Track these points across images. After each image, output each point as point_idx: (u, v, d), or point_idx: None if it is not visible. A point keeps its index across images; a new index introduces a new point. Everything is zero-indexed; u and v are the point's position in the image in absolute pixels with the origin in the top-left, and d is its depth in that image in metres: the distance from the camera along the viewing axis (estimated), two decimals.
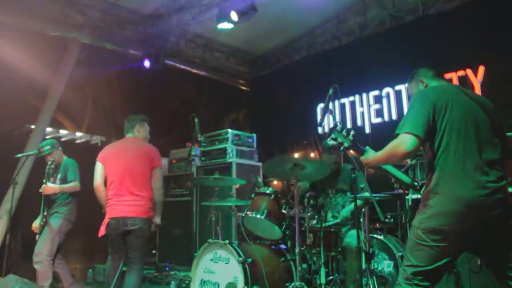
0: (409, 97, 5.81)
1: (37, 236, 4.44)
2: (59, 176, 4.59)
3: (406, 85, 2.87)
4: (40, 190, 4.40)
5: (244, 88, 8.81)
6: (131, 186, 3.75)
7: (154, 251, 6.78)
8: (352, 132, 2.63)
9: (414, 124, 2.29)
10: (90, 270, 6.17)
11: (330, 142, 2.64)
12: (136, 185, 3.77)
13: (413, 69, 2.74)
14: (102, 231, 3.75)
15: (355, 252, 3.51)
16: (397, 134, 2.34)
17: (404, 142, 2.28)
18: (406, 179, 2.89)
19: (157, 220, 3.91)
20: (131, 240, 3.72)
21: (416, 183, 2.80)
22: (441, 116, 2.32)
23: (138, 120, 4.09)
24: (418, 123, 2.29)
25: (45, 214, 4.46)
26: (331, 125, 2.68)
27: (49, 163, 4.50)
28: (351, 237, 3.94)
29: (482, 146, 2.29)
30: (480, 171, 2.23)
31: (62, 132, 7.20)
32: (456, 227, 2.20)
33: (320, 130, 7.01)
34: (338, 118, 6.66)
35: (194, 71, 7.87)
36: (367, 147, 2.62)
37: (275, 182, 6.59)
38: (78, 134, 7.39)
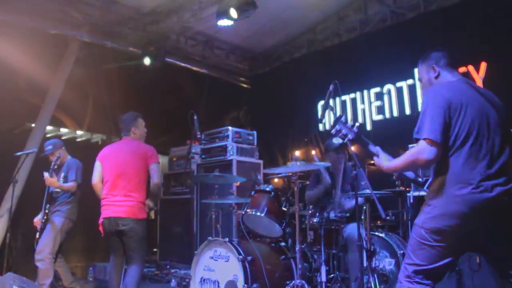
0: (412, 91, 5.85)
1: (37, 233, 4.43)
2: (62, 174, 4.61)
3: (416, 70, 2.76)
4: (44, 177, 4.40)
5: (244, 85, 8.76)
6: (123, 187, 3.78)
7: (155, 249, 6.76)
8: (356, 124, 2.59)
9: (433, 128, 2.23)
10: (91, 268, 6.14)
11: (335, 139, 2.60)
12: (129, 186, 3.79)
13: (427, 52, 2.63)
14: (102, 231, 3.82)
15: (357, 249, 3.43)
16: (416, 139, 2.28)
17: (424, 150, 2.22)
18: (409, 173, 2.85)
19: (150, 203, 3.91)
20: (125, 240, 3.76)
21: (420, 179, 2.74)
22: (455, 117, 2.26)
23: (131, 120, 4.06)
24: (436, 127, 2.23)
25: (46, 211, 4.45)
26: (332, 122, 2.65)
27: (54, 159, 4.52)
28: (352, 229, 3.90)
29: (492, 149, 2.25)
30: (488, 174, 2.19)
31: (63, 130, 7.18)
32: (460, 228, 2.18)
33: (321, 127, 6.99)
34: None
35: (194, 68, 7.83)
36: (378, 148, 2.57)
37: (276, 180, 6.57)
38: (79, 132, 7.37)
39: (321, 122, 6.80)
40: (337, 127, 2.62)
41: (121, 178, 3.81)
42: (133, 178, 3.82)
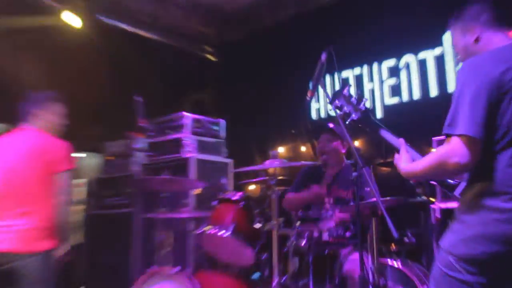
0: (441, 65, 5.75)
1: None
2: None
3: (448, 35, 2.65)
4: None
5: (211, 57, 8.79)
6: (11, 203, 3.46)
7: None
8: (364, 100, 2.49)
9: (473, 120, 2.09)
10: None
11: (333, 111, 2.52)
12: (19, 201, 3.46)
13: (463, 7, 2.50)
14: None
15: (359, 284, 3.37)
16: (447, 135, 2.17)
17: (457, 151, 2.10)
18: None
19: (60, 251, 3.59)
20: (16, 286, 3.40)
21: (451, 180, 2.61)
22: (505, 102, 2.12)
23: (39, 99, 3.77)
24: (477, 119, 2.09)
25: None
26: (328, 105, 2.52)
27: None
28: (353, 263, 3.78)
29: None
30: None
31: None
32: (504, 256, 2.06)
33: (314, 114, 6.87)
34: None
35: (142, 33, 7.76)
36: (401, 140, 2.48)
37: (252, 187, 6.48)
38: None
39: (309, 102, 6.73)
40: (338, 102, 2.47)
41: (8, 191, 3.48)
42: (25, 187, 3.49)
